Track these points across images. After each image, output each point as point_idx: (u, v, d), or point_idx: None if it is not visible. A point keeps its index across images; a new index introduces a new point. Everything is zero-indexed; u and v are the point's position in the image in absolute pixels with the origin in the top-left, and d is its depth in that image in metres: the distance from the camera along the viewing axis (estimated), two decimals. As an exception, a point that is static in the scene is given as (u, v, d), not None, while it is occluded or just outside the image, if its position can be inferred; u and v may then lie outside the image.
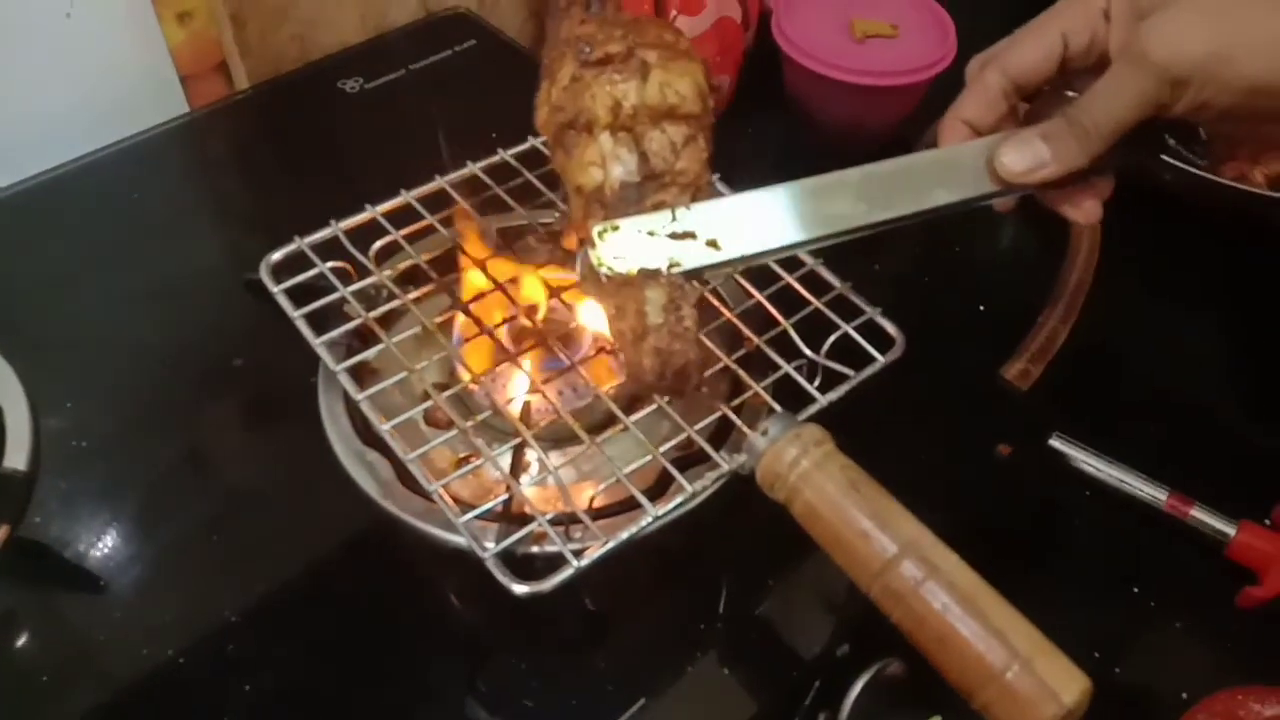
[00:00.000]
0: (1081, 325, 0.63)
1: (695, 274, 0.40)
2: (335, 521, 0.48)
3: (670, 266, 0.39)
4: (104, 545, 0.47)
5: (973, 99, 0.45)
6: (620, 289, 0.40)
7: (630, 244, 0.39)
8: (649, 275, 0.39)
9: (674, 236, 0.40)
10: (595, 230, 0.39)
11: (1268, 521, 0.56)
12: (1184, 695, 0.51)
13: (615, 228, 0.39)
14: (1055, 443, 0.57)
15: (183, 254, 0.60)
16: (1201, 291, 0.73)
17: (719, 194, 0.42)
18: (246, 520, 0.48)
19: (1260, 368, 0.68)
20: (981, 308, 0.69)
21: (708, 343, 0.48)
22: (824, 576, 0.43)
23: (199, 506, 0.48)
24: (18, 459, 0.47)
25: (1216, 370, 0.67)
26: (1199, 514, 0.56)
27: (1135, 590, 0.55)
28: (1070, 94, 0.43)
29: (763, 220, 0.41)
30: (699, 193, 0.41)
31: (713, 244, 0.40)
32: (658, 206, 0.40)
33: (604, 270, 0.39)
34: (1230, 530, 0.55)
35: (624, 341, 0.40)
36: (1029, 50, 0.44)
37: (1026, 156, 0.42)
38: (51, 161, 0.63)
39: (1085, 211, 0.45)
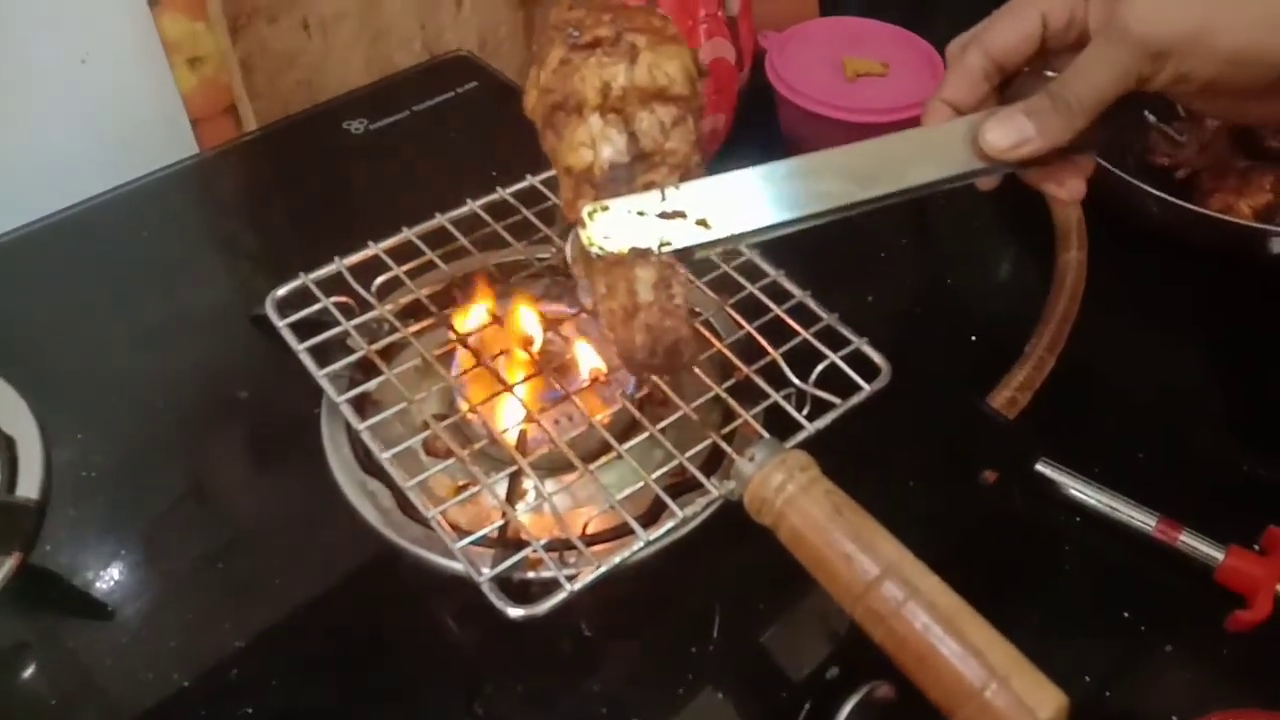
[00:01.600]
0: (1069, 354, 0.64)
1: (685, 253, 0.41)
2: (337, 549, 0.49)
3: (660, 245, 0.40)
4: (112, 573, 0.48)
5: (954, 80, 0.46)
6: (611, 268, 0.40)
7: (620, 223, 0.40)
8: (639, 254, 0.39)
9: (664, 216, 0.40)
10: (585, 210, 0.40)
11: (1256, 546, 0.57)
12: (1173, 719, 0.52)
13: (605, 208, 0.40)
14: (1042, 468, 0.57)
15: (191, 290, 0.61)
16: (1188, 320, 0.74)
17: (707, 175, 0.42)
18: (250, 548, 0.49)
19: (1247, 394, 0.69)
20: (973, 338, 0.70)
21: (698, 371, 0.49)
22: (813, 600, 0.44)
23: (204, 535, 0.50)
24: (30, 489, 0.49)
25: (1204, 397, 0.68)
26: (1187, 539, 0.56)
27: (1125, 615, 0.56)
28: (1050, 74, 0.44)
29: (751, 199, 0.41)
30: (688, 173, 0.41)
31: (702, 223, 0.40)
32: (648, 186, 0.40)
33: (595, 250, 0.40)
34: (1219, 555, 0.56)
35: (614, 320, 0.40)
36: (1009, 30, 0.44)
37: (1010, 132, 0.43)
38: (65, 201, 0.65)
39: (1069, 189, 0.46)
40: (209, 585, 0.48)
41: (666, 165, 0.40)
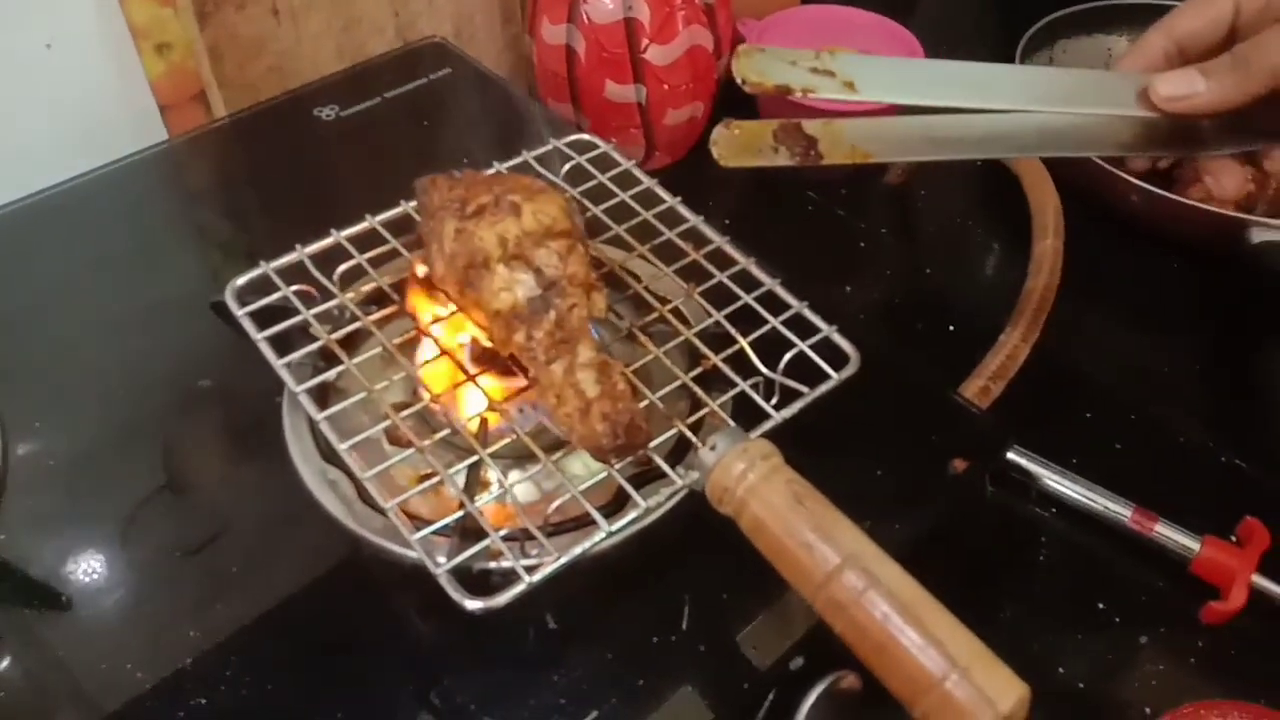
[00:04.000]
0: (1045, 343, 0.64)
1: (811, 159, 0.42)
2: (298, 539, 0.48)
3: (805, 91, 0.41)
4: (70, 563, 0.47)
5: (1132, 57, 0.46)
6: (553, 382, 0.44)
7: (772, 65, 0.43)
8: (783, 90, 0.43)
9: (814, 71, 0.43)
10: (741, 49, 0.43)
11: (1232, 537, 0.57)
12: (1147, 710, 0.51)
13: (761, 50, 0.42)
14: (1015, 457, 0.57)
15: (157, 278, 0.61)
16: (1166, 309, 0.74)
17: (606, 290, 0.48)
18: (211, 538, 0.48)
19: (1224, 384, 0.69)
20: (951, 328, 0.70)
21: (665, 360, 0.49)
22: (779, 590, 0.43)
23: (164, 525, 0.49)
24: (-15, 479, 0.48)
25: (1181, 387, 0.68)
26: (1163, 530, 0.56)
27: (1099, 606, 0.56)
28: None
29: (901, 76, 0.42)
30: (593, 289, 0.47)
31: (849, 85, 0.42)
32: (566, 310, 0.45)
33: (749, 81, 0.43)
34: (1195, 546, 0.56)
35: (573, 422, 0.43)
36: (1197, 13, 0.44)
37: (1180, 84, 0.43)
38: (29, 189, 0.64)
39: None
40: (168, 575, 0.47)
41: (572, 287, 0.46)
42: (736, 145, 0.47)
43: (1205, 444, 0.63)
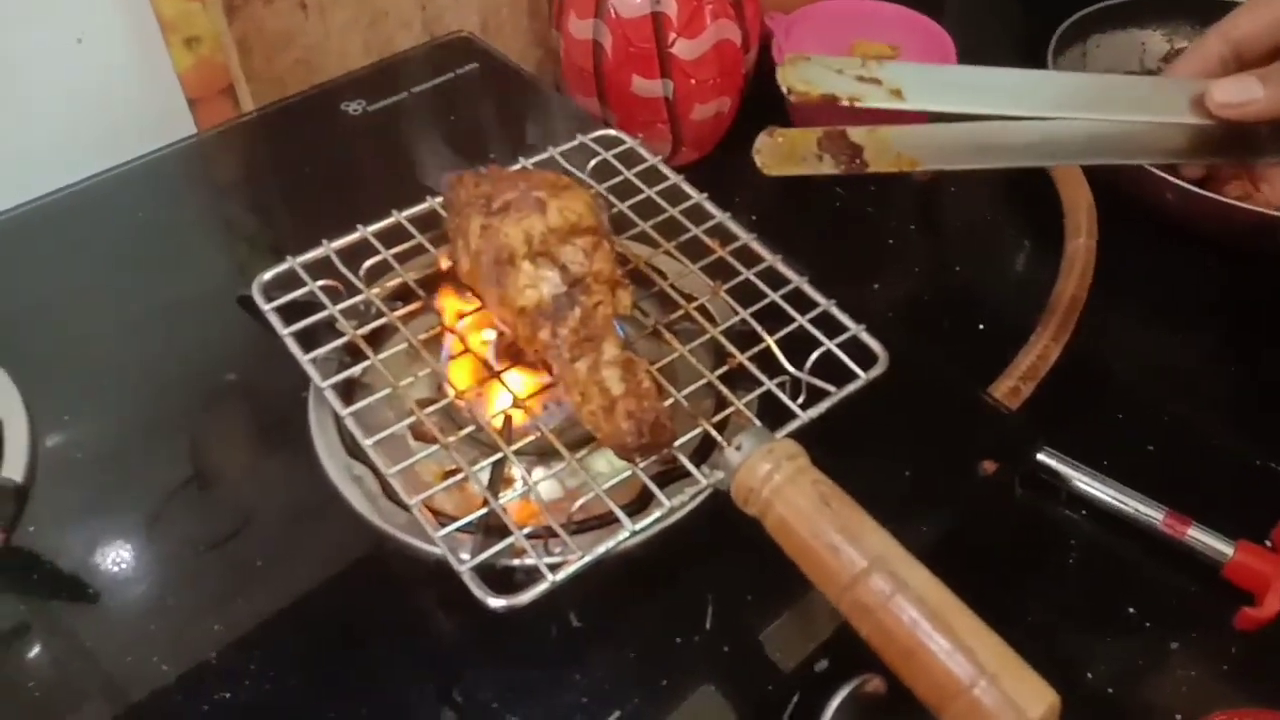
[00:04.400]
0: (1077, 343, 0.63)
1: (857, 167, 0.41)
2: (323, 534, 0.48)
3: (852, 100, 0.41)
4: (97, 556, 0.47)
5: (1187, 62, 0.45)
6: (577, 379, 0.44)
7: (818, 73, 0.43)
8: (829, 99, 0.43)
9: (860, 79, 0.42)
10: (787, 57, 0.43)
11: (1267, 542, 0.56)
12: (1178, 717, 0.51)
13: (806, 58, 0.42)
14: (1045, 458, 0.56)
15: (185, 272, 0.61)
16: (1200, 309, 0.73)
17: (631, 287, 0.48)
18: (237, 532, 0.48)
19: (1260, 386, 0.68)
20: (981, 326, 0.69)
21: (690, 358, 0.48)
22: (804, 591, 0.43)
23: (190, 518, 0.49)
24: (14, 470, 0.49)
25: (1216, 388, 0.67)
26: (1196, 533, 0.55)
27: (1130, 611, 0.55)
28: None
29: (949, 83, 0.42)
30: (619, 286, 0.47)
31: (896, 93, 0.41)
32: (593, 307, 0.45)
33: (794, 90, 0.43)
34: (1228, 550, 0.55)
35: (598, 420, 0.43)
36: (1255, 16, 0.43)
37: (1238, 90, 0.42)
38: (60, 182, 0.64)
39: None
40: (193, 569, 0.47)
41: (598, 284, 0.46)
42: (780, 153, 0.47)
43: (1240, 446, 0.62)
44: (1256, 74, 0.42)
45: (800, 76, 0.42)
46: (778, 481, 0.39)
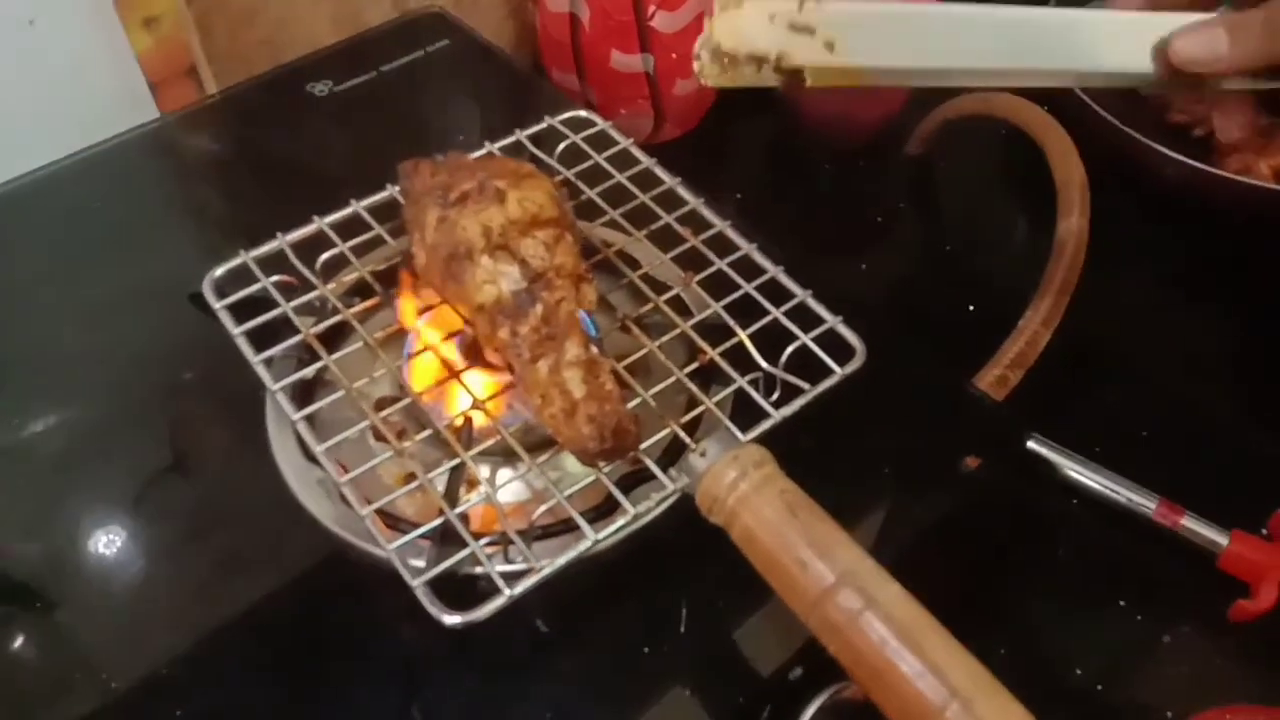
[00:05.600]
0: (1069, 327, 0.61)
1: (797, 79, 0.39)
2: (281, 541, 0.47)
3: (778, 60, 0.38)
4: (45, 564, 0.46)
5: None
6: (538, 381, 0.42)
7: (749, 25, 0.39)
8: (756, 59, 0.39)
9: (793, 28, 0.39)
10: (719, 5, 0.39)
11: (1263, 531, 0.54)
12: (1170, 714, 0.49)
13: (739, 4, 0.39)
14: (1035, 446, 0.55)
15: (144, 264, 0.59)
16: (1199, 290, 0.70)
17: (596, 281, 0.46)
18: (190, 539, 0.47)
19: (1257, 371, 0.66)
20: (971, 308, 0.67)
21: (660, 354, 0.47)
22: (777, 598, 0.41)
23: (144, 525, 0.48)
24: (-41, 477, 0.47)
25: (1210, 374, 0.65)
26: (1190, 523, 0.54)
27: (1121, 603, 0.53)
28: None
29: (890, 36, 0.39)
30: (583, 281, 0.45)
31: (829, 45, 0.39)
32: (553, 304, 0.43)
33: (719, 48, 0.39)
34: (1222, 540, 0.53)
35: (559, 424, 0.41)
36: None
37: (1203, 45, 0.39)
38: (15, 171, 0.62)
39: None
40: (145, 578, 0.46)
41: (560, 278, 0.44)
42: (721, 63, 0.44)
43: (1236, 433, 0.60)
44: (1225, 23, 0.39)
45: (730, 29, 0.38)
46: (744, 490, 0.37)
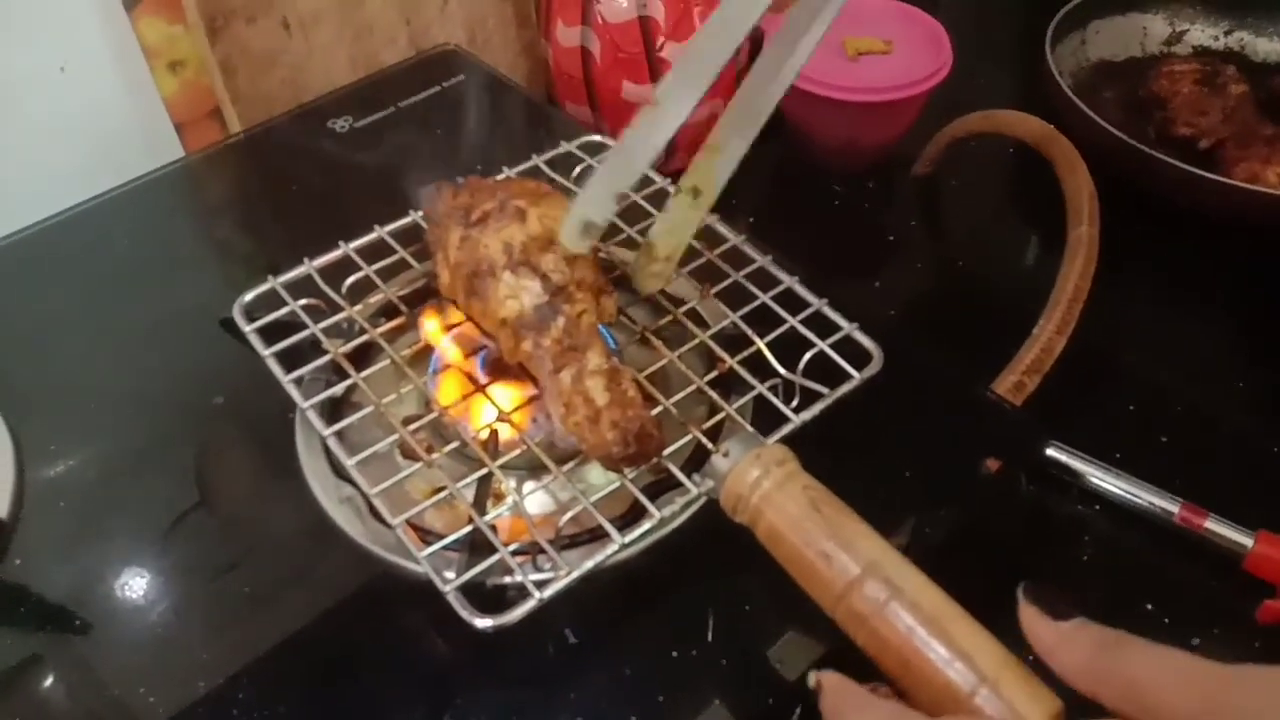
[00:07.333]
0: (1084, 335, 0.61)
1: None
2: (314, 558, 0.47)
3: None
4: (86, 587, 0.47)
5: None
6: (561, 390, 0.43)
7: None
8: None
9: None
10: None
11: (1287, 532, 0.54)
12: (1200, 717, 0.49)
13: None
14: (1053, 452, 0.55)
15: (173, 297, 0.60)
16: (1211, 296, 0.71)
17: (616, 294, 0.48)
18: (225, 559, 0.48)
19: (1273, 371, 0.66)
20: (985, 321, 0.68)
21: (679, 364, 0.47)
22: (805, 600, 0.41)
23: (179, 547, 0.48)
24: (0, 505, 0.48)
25: (1227, 376, 0.65)
26: (1213, 525, 0.54)
27: (1148, 607, 0.53)
28: None
29: None
30: (603, 294, 0.46)
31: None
32: (574, 316, 0.44)
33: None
34: (1248, 541, 0.53)
35: (583, 431, 0.42)
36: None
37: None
38: (47, 212, 0.64)
39: None
40: (183, 598, 0.46)
41: (580, 292, 0.45)
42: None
43: (1255, 434, 0.60)
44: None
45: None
46: (767, 488, 0.37)
